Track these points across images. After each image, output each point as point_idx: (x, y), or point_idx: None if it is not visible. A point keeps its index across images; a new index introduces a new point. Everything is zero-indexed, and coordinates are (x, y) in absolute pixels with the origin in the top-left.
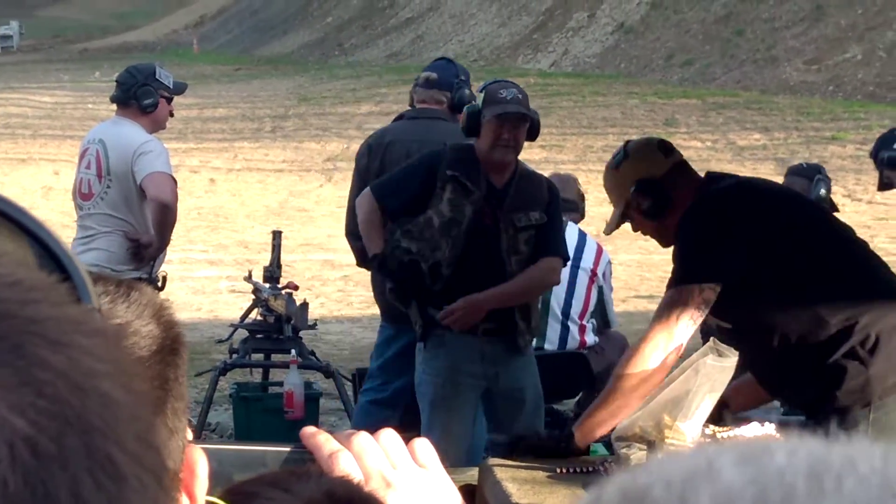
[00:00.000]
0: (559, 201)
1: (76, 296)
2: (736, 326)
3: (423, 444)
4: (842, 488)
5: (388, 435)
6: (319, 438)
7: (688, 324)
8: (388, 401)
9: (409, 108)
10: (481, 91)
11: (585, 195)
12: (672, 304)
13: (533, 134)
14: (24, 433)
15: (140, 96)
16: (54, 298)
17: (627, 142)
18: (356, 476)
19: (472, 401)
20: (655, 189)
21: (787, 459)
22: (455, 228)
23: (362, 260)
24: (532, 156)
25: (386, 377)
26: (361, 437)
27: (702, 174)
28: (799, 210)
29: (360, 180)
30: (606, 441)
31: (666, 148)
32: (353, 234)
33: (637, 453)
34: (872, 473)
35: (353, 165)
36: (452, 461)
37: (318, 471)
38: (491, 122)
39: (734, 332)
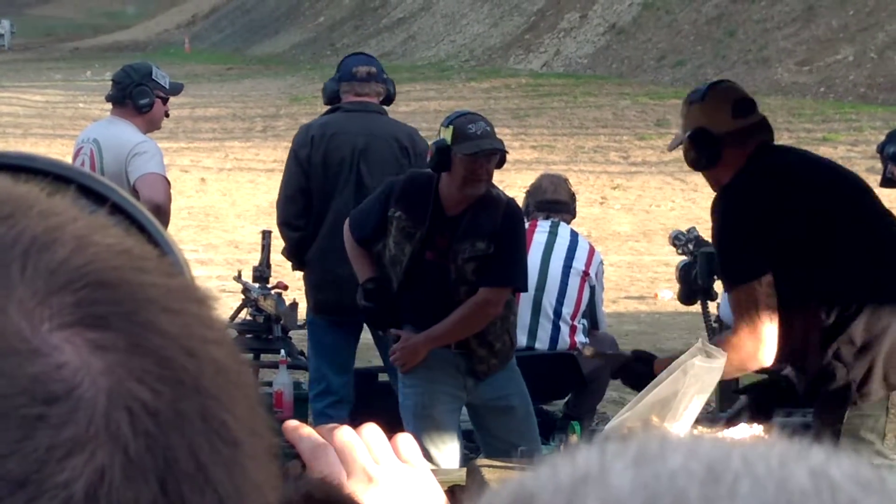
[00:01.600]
0: (517, 225)
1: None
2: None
3: (406, 440)
4: (736, 493)
5: (371, 430)
6: (301, 432)
7: (770, 314)
8: (342, 397)
9: (327, 104)
10: (447, 125)
11: (576, 196)
12: (745, 305)
13: (500, 162)
14: (143, 398)
15: (136, 96)
16: (162, 268)
17: (718, 82)
18: (337, 472)
19: (453, 412)
20: (708, 143)
21: (682, 462)
22: (398, 266)
23: (290, 252)
24: (523, 156)
25: (328, 375)
26: (344, 432)
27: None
28: (846, 190)
29: (300, 170)
30: None
31: (741, 109)
32: (286, 224)
33: None
34: (769, 476)
35: None
36: (443, 466)
37: (296, 472)
38: (464, 160)
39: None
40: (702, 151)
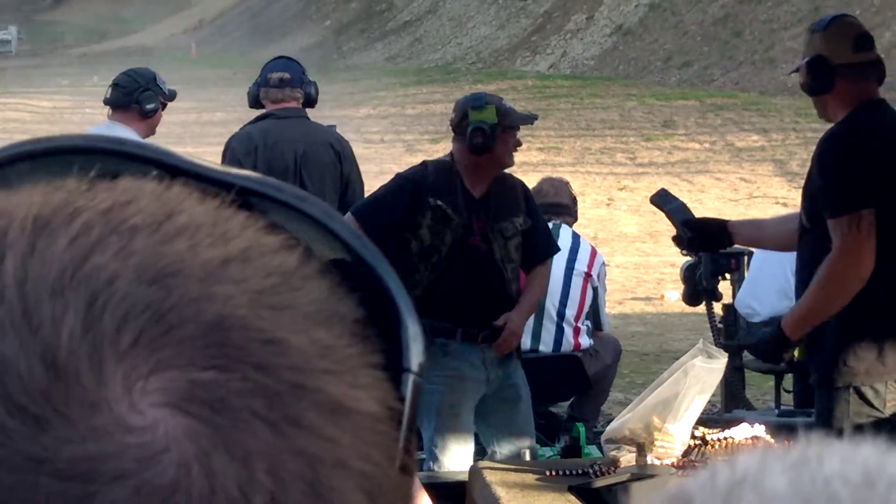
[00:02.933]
0: (533, 197)
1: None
2: (816, 230)
3: None
4: (889, 501)
5: None
6: None
7: (869, 241)
8: None
9: (252, 108)
10: (483, 107)
11: (582, 197)
12: (847, 231)
13: None
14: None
15: (143, 100)
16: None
17: (842, 15)
18: None
19: (472, 407)
20: (823, 72)
21: (839, 466)
22: (434, 255)
23: None
24: (530, 158)
25: None
26: None
27: (712, 170)
28: None
29: None
30: (597, 443)
31: (861, 43)
32: None
33: (626, 455)
34: None
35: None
36: (463, 464)
37: None
38: (510, 133)
39: (811, 232)
40: (816, 78)
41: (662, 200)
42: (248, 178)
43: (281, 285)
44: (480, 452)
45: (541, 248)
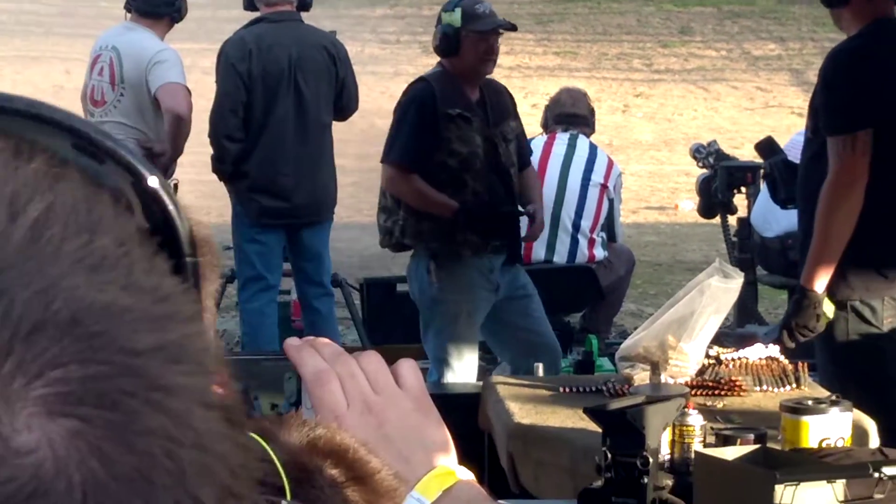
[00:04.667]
0: (514, 100)
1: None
2: (817, 140)
3: (408, 366)
4: None
5: (372, 358)
6: (304, 355)
7: (862, 161)
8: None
9: (247, 10)
10: (453, 9)
11: (598, 103)
12: (842, 147)
13: None
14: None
15: (181, 8)
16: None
17: None
18: (338, 401)
19: (483, 317)
20: None
21: None
22: (476, 161)
23: (228, 163)
24: (546, 62)
25: (266, 275)
26: (344, 359)
27: (728, 79)
28: None
29: (240, 83)
30: (609, 355)
31: None
32: (228, 136)
33: (640, 373)
34: None
35: (365, 70)
36: (473, 370)
37: (299, 420)
38: (476, 38)
39: (813, 142)
40: None
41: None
42: None
43: (90, 242)
44: (492, 362)
45: (527, 151)
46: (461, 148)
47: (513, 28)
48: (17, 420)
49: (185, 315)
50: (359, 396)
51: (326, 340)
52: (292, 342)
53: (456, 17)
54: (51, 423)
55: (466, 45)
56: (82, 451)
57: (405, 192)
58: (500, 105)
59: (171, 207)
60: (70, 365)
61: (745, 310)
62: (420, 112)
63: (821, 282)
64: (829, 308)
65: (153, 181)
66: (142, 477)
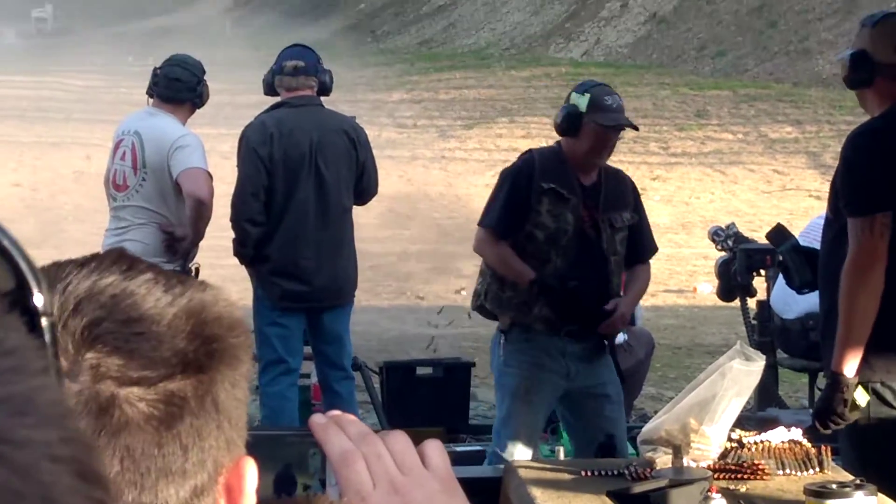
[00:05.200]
0: (640, 195)
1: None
2: (838, 221)
3: (434, 447)
4: None
5: (398, 437)
6: (329, 434)
7: (881, 243)
8: (297, 373)
9: (268, 95)
10: (583, 93)
11: None
12: (861, 229)
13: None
14: None
15: (203, 93)
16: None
17: (893, 14)
18: (364, 482)
19: (549, 398)
20: (864, 67)
21: None
22: (563, 237)
23: (250, 247)
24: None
25: (287, 359)
26: (370, 439)
27: (745, 161)
28: None
29: (262, 167)
30: (630, 439)
31: None
32: (250, 220)
33: (663, 457)
34: None
35: (383, 154)
36: (526, 452)
37: (327, 501)
38: (596, 130)
39: (834, 223)
40: (856, 72)
41: (778, 238)
42: None
43: None
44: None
45: (645, 245)
46: (550, 222)
47: (634, 128)
48: None
49: (33, 368)
50: (385, 477)
51: (352, 418)
52: (318, 419)
53: (583, 102)
54: None
55: (585, 131)
56: None
57: (490, 255)
58: (618, 194)
59: (22, 266)
60: None
61: (766, 393)
62: (515, 182)
63: (850, 365)
64: (861, 396)
65: (6, 242)
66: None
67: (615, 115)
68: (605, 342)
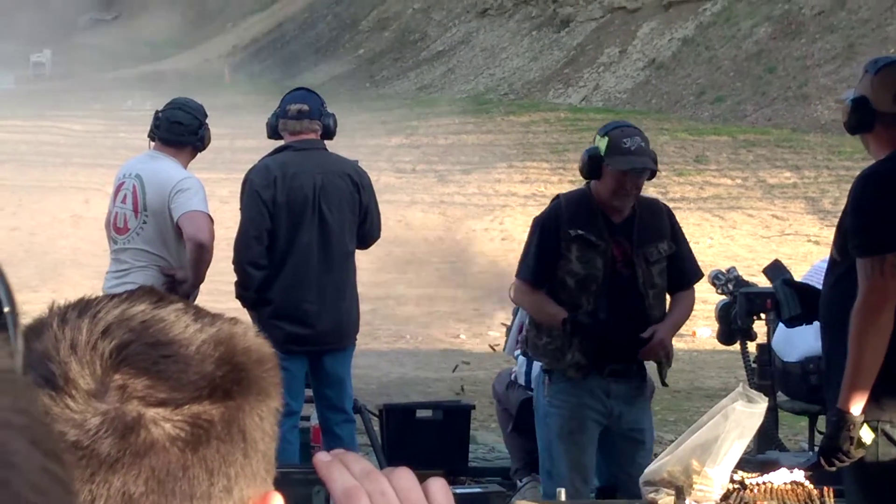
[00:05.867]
0: (678, 223)
1: None
2: (844, 264)
3: (438, 485)
4: None
5: (403, 474)
6: (333, 471)
7: (891, 283)
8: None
9: (271, 138)
10: (603, 135)
11: None
12: (870, 270)
13: (651, 174)
14: None
15: (204, 137)
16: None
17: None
18: None
19: (594, 436)
20: (865, 113)
21: None
22: (593, 284)
23: (252, 290)
24: (562, 190)
25: (289, 402)
26: (374, 476)
27: (744, 206)
28: None
29: (264, 211)
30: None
31: None
32: (252, 264)
33: (665, 498)
34: None
35: (381, 198)
36: (578, 492)
37: None
38: (615, 174)
39: (840, 265)
40: (856, 118)
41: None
42: None
43: None
44: (511, 487)
45: (686, 272)
46: (580, 269)
47: (652, 170)
48: None
49: None
50: None
51: (356, 456)
52: (322, 457)
53: (602, 145)
54: None
55: (606, 174)
56: None
57: (525, 302)
58: (654, 226)
59: None
60: None
61: (766, 436)
62: (543, 231)
63: (856, 405)
64: (867, 434)
65: None
66: None
67: (632, 157)
68: (645, 381)
